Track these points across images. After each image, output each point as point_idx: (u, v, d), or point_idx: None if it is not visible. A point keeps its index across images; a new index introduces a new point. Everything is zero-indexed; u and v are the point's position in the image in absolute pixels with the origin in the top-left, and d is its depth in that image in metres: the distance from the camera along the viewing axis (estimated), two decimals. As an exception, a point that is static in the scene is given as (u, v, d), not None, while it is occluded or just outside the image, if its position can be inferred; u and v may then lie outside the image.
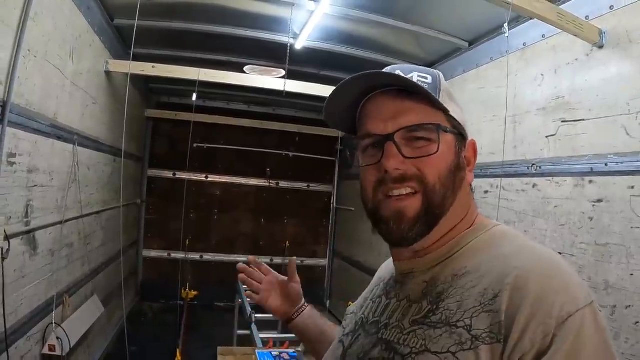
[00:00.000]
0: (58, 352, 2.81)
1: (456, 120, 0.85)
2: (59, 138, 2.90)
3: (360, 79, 0.83)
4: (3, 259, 2.19)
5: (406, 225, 0.80)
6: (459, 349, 0.69)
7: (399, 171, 0.80)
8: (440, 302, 0.76)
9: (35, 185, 2.60)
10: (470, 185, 0.88)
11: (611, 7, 2.33)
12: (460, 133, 0.86)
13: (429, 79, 0.85)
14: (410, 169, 0.80)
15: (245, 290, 1.16)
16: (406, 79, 0.82)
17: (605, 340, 0.67)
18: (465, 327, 0.70)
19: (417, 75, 0.85)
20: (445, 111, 0.83)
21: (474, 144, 0.89)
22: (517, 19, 2.91)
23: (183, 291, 5.97)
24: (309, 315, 1.25)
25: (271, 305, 1.25)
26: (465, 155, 0.87)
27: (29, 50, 2.33)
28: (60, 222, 3.03)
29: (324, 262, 7.68)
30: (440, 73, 0.89)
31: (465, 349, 0.68)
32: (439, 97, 0.83)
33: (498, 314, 0.68)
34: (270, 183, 7.31)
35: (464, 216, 0.85)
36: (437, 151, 0.80)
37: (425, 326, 0.75)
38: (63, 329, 2.90)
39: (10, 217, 2.30)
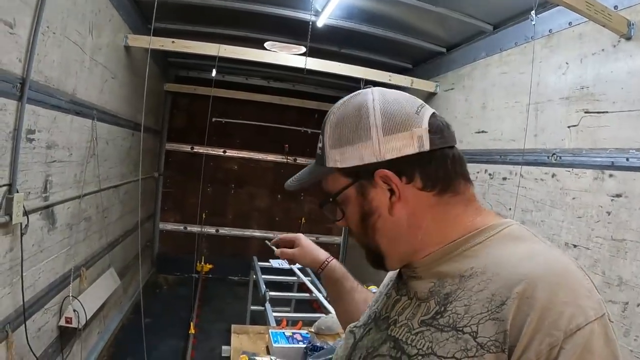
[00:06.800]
0: (74, 325, 2.88)
1: (351, 167, 0.84)
2: (77, 113, 2.92)
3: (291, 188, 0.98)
4: (22, 234, 2.24)
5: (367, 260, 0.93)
6: (464, 355, 0.69)
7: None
8: (448, 305, 0.75)
9: (54, 161, 2.63)
10: (447, 194, 0.83)
11: (642, -2, 2.25)
12: (357, 177, 0.84)
13: (321, 143, 0.89)
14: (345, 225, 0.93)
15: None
16: (301, 182, 0.95)
17: (614, 354, 0.65)
18: (472, 334, 0.69)
19: (319, 140, 0.91)
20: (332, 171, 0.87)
21: (382, 175, 0.81)
22: (544, 4, 2.82)
23: (198, 264, 6.05)
24: (333, 269, 1.36)
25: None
26: (374, 195, 0.84)
27: (47, 27, 2.32)
28: (78, 197, 3.07)
29: (338, 239, 7.72)
30: (330, 118, 0.88)
31: (470, 355, 0.68)
32: (326, 158, 0.87)
33: (504, 322, 0.67)
34: (287, 159, 7.30)
35: (440, 230, 0.83)
36: (342, 217, 0.91)
37: (432, 328, 0.75)
38: (80, 302, 2.97)
39: (30, 193, 2.34)
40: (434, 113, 0.84)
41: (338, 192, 0.87)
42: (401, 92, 0.88)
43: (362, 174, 0.83)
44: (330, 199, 0.89)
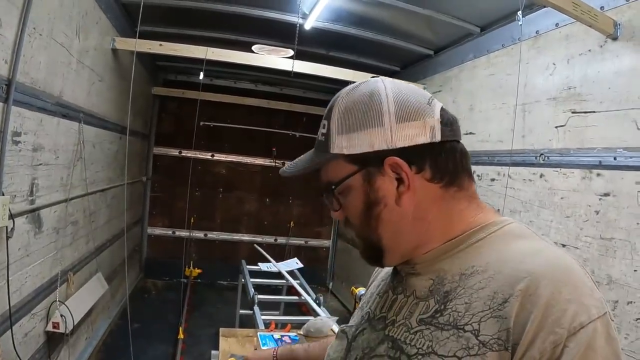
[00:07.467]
0: (62, 330, 2.83)
1: (358, 154, 0.81)
2: (64, 116, 2.88)
3: (287, 173, 0.93)
4: (8, 237, 2.21)
5: (364, 256, 0.91)
6: (466, 354, 0.68)
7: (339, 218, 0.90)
8: (448, 302, 0.74)
9: (40, 164, 2.60)
10: (453, 186, 0.83)
11: (627, -1, 2.28)
12: (365, 164, 0.82)
13: (325, 129, 0.86)
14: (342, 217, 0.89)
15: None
16: (300, 169, 0.90)
17: (616, 352, 0.65)
18: (473, 332, 0.69)
19: (322, 127, 0.87)
20: (336, 157, 0.84)
21: (392, 163, 0.79)
22: (531, 6, 2.85)
23: (187, 269, 6.01)
24: (283, 352, 1.48)
25: None
26: (381, 184, 0.82)
27: (34, 28, 2.30)
28: (65, 200, 3.03)
29: (327, 243, 7.70)
30: (339, 103, 0.85)
31: (472, 354, 0.68)
32: (330, 144, 0.83)
33: (507, 320, 0.66)
34: (276, 163, 7.26)
35: (444, 225, 0.82)
36: (339, 208, 0.87)
37: (432, 327, 0.74)
38: (67, 307, 2.92)
39: (15, 196, 2.31)
40: (442, 106, 0.83)
41: (342, 179, 0.84)
42: (410, 84, 0.87)
43: (371, 161, 0.81)
44: (334, 187, 0.85)
